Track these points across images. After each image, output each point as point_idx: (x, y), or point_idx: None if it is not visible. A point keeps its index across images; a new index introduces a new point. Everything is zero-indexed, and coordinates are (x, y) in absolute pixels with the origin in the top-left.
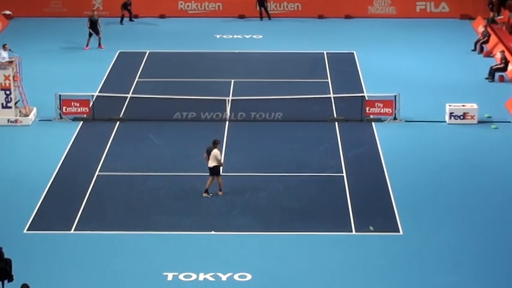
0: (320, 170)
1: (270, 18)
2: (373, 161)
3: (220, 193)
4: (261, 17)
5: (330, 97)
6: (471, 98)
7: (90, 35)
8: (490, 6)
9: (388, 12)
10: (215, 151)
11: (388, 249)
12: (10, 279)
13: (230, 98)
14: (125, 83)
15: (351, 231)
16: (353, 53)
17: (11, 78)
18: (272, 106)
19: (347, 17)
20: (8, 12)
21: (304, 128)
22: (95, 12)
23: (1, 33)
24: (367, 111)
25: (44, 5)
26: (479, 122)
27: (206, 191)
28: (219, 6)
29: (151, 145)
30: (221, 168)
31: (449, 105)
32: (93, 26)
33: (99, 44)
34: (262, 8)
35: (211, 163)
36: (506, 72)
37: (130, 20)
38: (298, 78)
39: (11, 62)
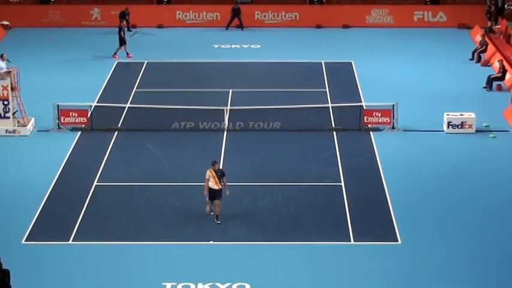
0: (318, 179)
1: (227, 28)
2: (371, 171)
3: (216, 220)
4: (242, 27)
5: (328, 107)
6: (469, 107)
7: (123, 43)
8: (488, 15)
9: (385, 22)
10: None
11: (387, 259)
12: None
13: (228, 107)
14: (123, 93)
15: (349, 241)
16: (351, 62)
17: (9, 88)
18: (270, 116)
19: (345, 26)
20: (5, 22)
21: (303, 138)
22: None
23: None
24: (365, 121)
25: (42, 15)
26: (477, 131)
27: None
28: (217, 15)
29: (149, 155)
30: (209, 191)
31: (447, 115)
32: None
33: (115, 53)
34: (236, 18)
35: None
36: (504, 81)
37: (128, 30)
38: (296, 87)
39: (9, 72)
